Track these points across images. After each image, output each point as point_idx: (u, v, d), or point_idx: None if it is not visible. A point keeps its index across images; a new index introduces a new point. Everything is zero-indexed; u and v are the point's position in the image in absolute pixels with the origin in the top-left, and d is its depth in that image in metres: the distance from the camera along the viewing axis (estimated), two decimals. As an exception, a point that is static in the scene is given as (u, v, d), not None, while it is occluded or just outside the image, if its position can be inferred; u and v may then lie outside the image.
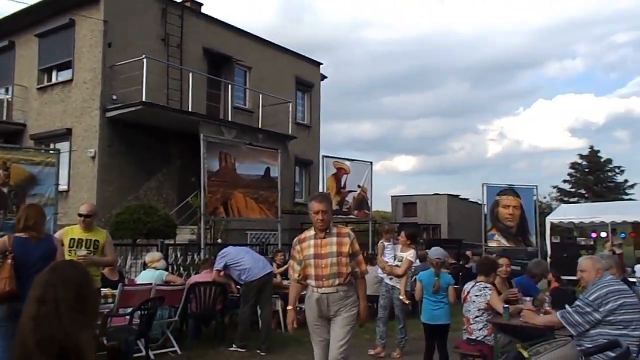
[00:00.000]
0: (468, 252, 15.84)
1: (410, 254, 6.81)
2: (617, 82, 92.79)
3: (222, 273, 7.21)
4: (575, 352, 2.34)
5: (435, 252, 6.04)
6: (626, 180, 36.06)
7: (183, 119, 13.63)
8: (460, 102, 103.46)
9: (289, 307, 4.45)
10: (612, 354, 2.46)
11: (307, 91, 20.53)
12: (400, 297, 6.72)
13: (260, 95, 16.33)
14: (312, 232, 4.30)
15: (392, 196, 33.29)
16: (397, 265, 6.84)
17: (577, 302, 4.02)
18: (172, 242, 11.06)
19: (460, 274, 11.89)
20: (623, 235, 19.34)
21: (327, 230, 4.23)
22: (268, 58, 18.40)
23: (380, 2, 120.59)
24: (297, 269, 4.31)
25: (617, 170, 36.61)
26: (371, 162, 14.80)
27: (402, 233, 7.02)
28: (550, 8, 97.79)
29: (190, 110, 13.84)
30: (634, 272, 15.19)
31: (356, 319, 4.25)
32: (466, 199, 32.36)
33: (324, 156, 14.21)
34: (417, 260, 12.85)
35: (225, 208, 11.23)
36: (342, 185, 14.14)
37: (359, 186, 14.42)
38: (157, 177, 14.51)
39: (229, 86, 16.26)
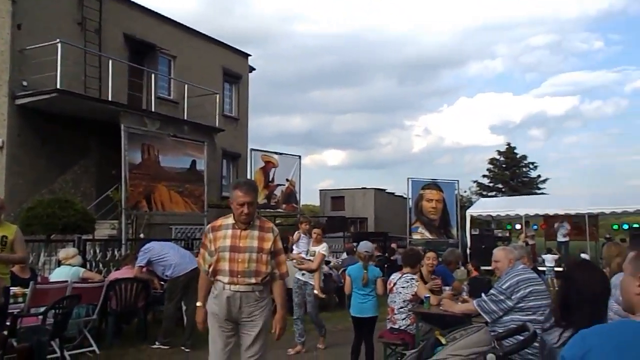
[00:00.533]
0: (393, 245, 16.26)
1: (322, 248, 6.75)
2: (533, 82, 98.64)
3: (144, 269, 6.96)
4: (488, 337, 2.48)
5: (364, 245, 6.12)
6: (539, 176, 38.24)
7: (102, 108, 12.99)
8: (387, 98, 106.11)
9: (199, 304, 3.91)
10: (521, 337, 2.62)
11: (235, 83, 20.21)
12: (315, 292, 6.64)
13: (186, 86, 15.86)
14: (229, 220, 3.75)
15: (320, 190, 33.70)
16: (310, 260, 6.75)
17: (491, 291, 4.22)
18: (90, 237, 10.55)
19: (386, 265, 12.19)
20: (535, 227, 20.58)
21: (250, 222, 3.72)
22: (194, 47, 17.92)
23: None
24: (209, 260, 3.75)
25: (531, 166, 38.71)
26: (300, 156, 14.88)
27: (315, 230, 6.90)
28: (473, 11, 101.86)
29: (110, 99, 13.23)
30: (543, 261, 16.23)
31: (270, 325, 3.83)
32: (392, 193, 33.21)
33: (252, 149, 14.12)
34: (345, 254, 13.10)
35: (148, 202, 10.88)
36: (270, 178, 14.11)
37: (287, 180, 14.45)
38: (74, 169, 13.77)
39: (152, 75, 15.65)
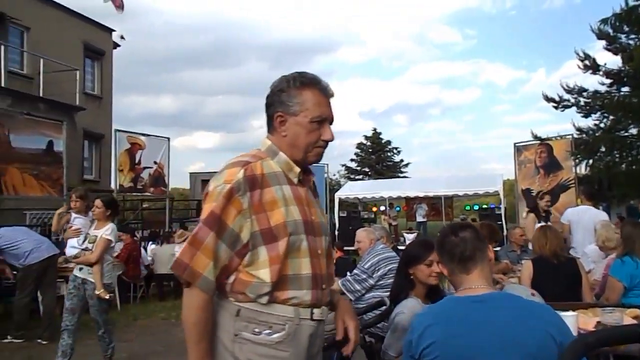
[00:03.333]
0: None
1: (107, 231, 4.88)
2: (399, 70, 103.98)
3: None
4: None
5: None
6: (402, 160, 40.70)
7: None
8: (260, 81, 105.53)
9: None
10: (379, 311, 2.89)
11: (98, 59, 18.93)
12: (97, 293, 4.78)
13: (42, 60, 14.54)
14: (271, 164, 1.77)
15: (190, 173, 32.90)
16: (86, 250, 4.94)
17: (355, 271, 4.49)
18: None
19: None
20: (398, 208, 22.02)
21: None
22: (51, 19, 16.45)
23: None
24: (224, 259, 1.64)
25: (395, 151, 41.05)
26: (169, 138, 14.41)
27: (97, 201, 4.98)
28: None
29: (-51, 71, 11.75)
30: (405, 240, 17.42)
31: None
32: (264, 176, 33.38)
33: (116, 130, 13.38)
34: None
35: (-2, 185, 9.90)
36: (137, 161, 13.51)
37: (155, 162, 13.94)
38: None
39: (1, 47, 14.15)
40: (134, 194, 14.33)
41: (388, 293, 4.11)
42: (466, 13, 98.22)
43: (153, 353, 6.07)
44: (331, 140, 1.80)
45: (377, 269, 4.29)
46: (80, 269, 4.90)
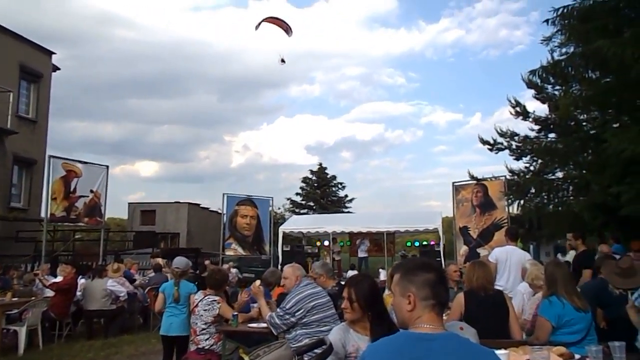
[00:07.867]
0: (206, 261, 15.95)
1: None
2: (345, 108, 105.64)
3: None
4: (289, 352, 2.55)
5: (176, 261, 6.11)
6: (346, 195, 41.00)
7: None
8: (208, 112, 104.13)
9: None
10: (319, 351, 2.76)
11: (35, 82, 18.13)
12: None
13: (-29, 80, 13.81)
14: None
15: (129, 203, 31.73)
16: None
17: (279, 308, 4.43)
18: None
19: (197, 282, 11.86)
20: (342, 243, 21.95)
21: None
22: (-16, 37, 15.72)
23: (134, 0, 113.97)
24: None
25: (339, 186, 41.37)
26: (107, 166, 13.89)
27: None
28: (296, 38, 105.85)
29: None
30: (345, 277, 17.31)
31: None
32: (207, 208, 32.66)
33: (50, 156, 12.76)
34: (152, 272, 12.42)
35: None
36: (72, 189, 12.90)
37: (91, 191, 13.36)
38: None
39: None
40: (66, 224, 13.63)
41: (315, 329, 4.10)
42: (410, 57, 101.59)
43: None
44: None
45: (299, 307, 4.25)
46: None
